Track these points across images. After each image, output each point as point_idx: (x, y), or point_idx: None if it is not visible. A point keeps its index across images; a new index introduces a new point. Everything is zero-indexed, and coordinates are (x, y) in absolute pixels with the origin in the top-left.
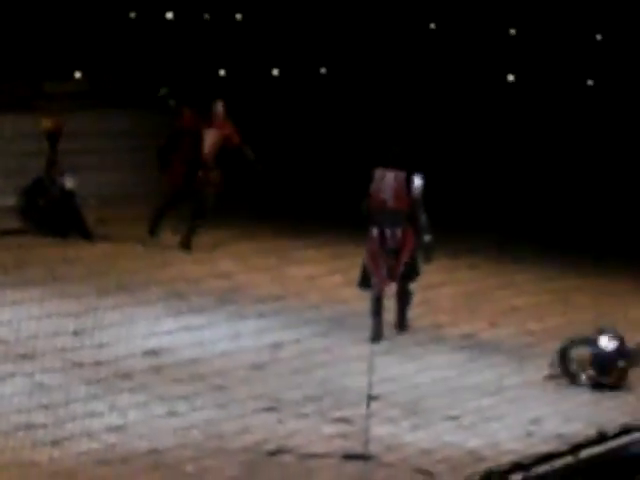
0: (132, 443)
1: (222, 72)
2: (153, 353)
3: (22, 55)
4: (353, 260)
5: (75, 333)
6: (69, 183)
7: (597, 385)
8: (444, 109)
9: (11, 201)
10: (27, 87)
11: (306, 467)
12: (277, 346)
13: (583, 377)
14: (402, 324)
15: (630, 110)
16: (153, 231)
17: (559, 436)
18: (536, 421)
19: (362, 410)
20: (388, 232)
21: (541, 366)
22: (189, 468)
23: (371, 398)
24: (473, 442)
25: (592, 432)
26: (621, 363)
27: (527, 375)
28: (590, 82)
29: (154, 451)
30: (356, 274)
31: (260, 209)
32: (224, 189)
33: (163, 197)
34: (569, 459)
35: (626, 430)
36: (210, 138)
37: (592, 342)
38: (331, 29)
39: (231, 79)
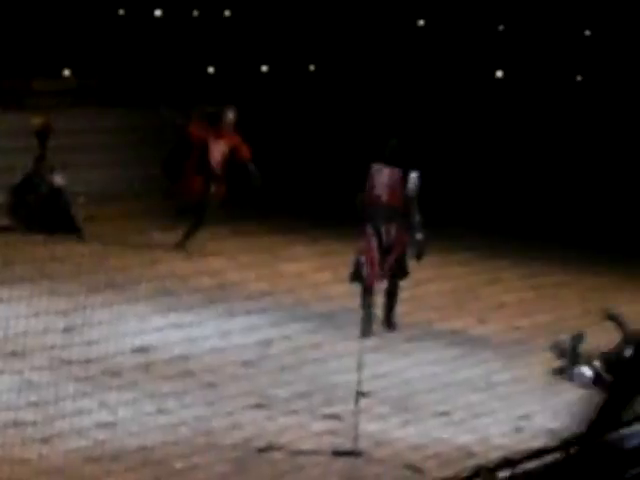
0: (121, 440)
1: (211, 69)
2: (142, 350)
3: (10, 52)
4: (343, 257)
5: (64, 331)
6: (58, 180)
7: (598, 380)
8: (432, 106)
9: (0, 198)
10: (16, 84)
11: (296, 464)
12: (267, 343)
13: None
14: (390, 321)
15: (619, 106)
16: (184, 244)
17: (549, 431)
18: (526, 417)
19: (352, 406)
20: (382, 228)
21: (530, 362)
22: (178, 465)
23: (361, 394)
24: (463, 438)
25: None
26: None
27: (516, 371)
28: (579, 78)
29: (143, 448)
30: (346, 271)
31: (249, 206)
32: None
33: (192, 212)
34: (559, 455)
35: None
36: (219, 149)
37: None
38: (321, 26)
39: (220, 76)
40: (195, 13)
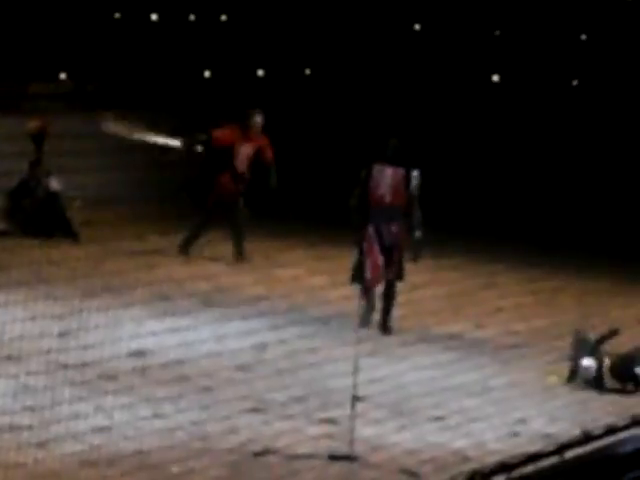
0: (117, 444)
1: (207, 73)
2: (138, 355)
3: (7, 57)
4: (339, 261)
5: (60, 335)
6: (54, 184)
7: (598, 382)
8: (428, 110)
9: None
10: (12, 88)
11: (292, 468)
12: (262, 347)
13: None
14: (386, 325)
15: (615, 110)
16: (241, 252)
17: (544, 436)
18: (521, 421)
19: (347, 411)
20: (384, 228)
21: (526, 367)
22: (174, 469)
23: (356, 399)
24: (459, 442)
25: (577, 432)
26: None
27: (512, 375)
28: (575, 82)
29: (139, 452)
30: (342, 276)
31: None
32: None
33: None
34: (554, 459)
35: (611, 430)
36: (245, 151)
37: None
38: (317, 30)
39: (216, 80)
40: (191, 17)
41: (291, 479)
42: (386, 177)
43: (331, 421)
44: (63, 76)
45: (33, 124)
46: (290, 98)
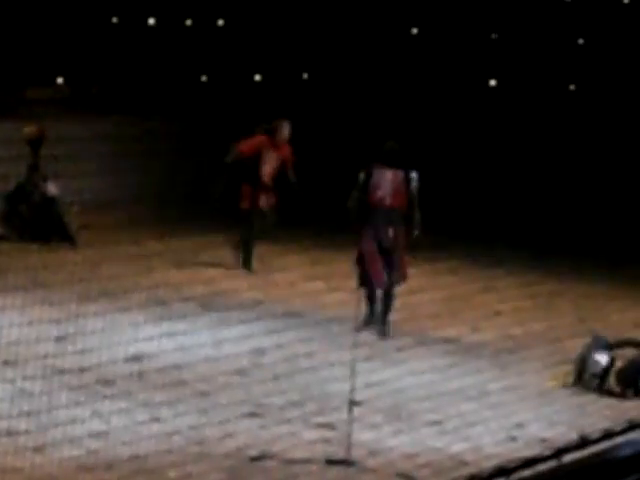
0: (115, 449)
1: (204, 78)
2: (136, 359)
3: (4, 61)
4: (335, 265)
5: (57, 339)
6: (51, 189)
7: (602, 379)
8: (425, 115)
9: None
10: (9, 93)
11: (289, 472)
12: (260, 352)
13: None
14: (384, 329)
15: (612, 115)
16: (249, 263)
17: (542, 440)
18: (519, 426)
19: (345, 415)
20: (382, 230)
21: (524, 371)
22: (172, 474)
23: (354, 403)
24: (456, 447)
25: (574, 437)
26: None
27: (510, 380)
28: (572, 87)
29: (137, 457)
30: (338, 279)
31: (240, 215)
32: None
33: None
34: (552, 464)
35: (608, 434)
36: (271, 162)
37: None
38: (314, 35)
39: (213, 85)
40: (188, 22)
41: None
42: (386, 179)
43: (328, 425)
44: (60, 80)
45: (30, 129)
46: (288, 102)
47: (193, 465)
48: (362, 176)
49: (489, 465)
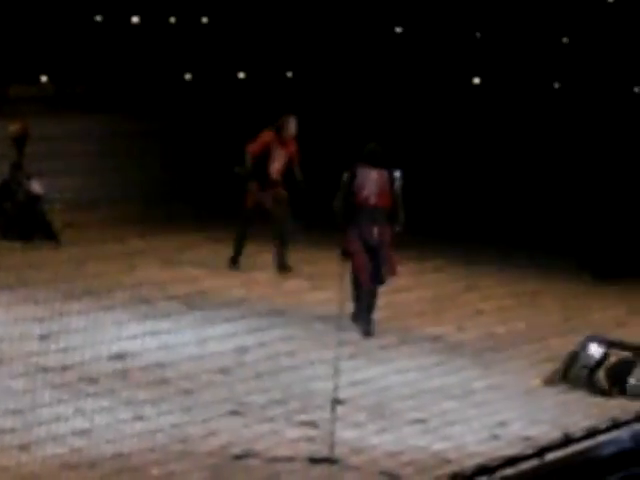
0: (98, 447)
1: (188, 76)
2: (119, 357)
3: None
4: (319, 264)
5: (41, 338)
6: (35, 187)
7: (592, 372)
8: (409, 113)
9: None
10: None
11: (272, 471)
12: (243, 350)
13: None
14: (368, 328)
15: (597, 113)
16: (236, 260)
17: (525, 439)
18: (502, 424)
19: (328, 413)
20: (367, 229)
21: (507, 370)
22: (155, 472)
23: (337, 402)
24: (439, 445)
25: (558, 435)
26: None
27: (493, 378)
28: (556, 84)
29: (120, 455)
30: (322, 278)
31: (225, 213)
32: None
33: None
34: (535, 462)
35: (592, 433)
36: (279, 158)
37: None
38: (299, 33)
39: (197, 82)
40: (172, 20)
41: None
42: (371, 179)
43: (311, 424)
44: (44, 79)
45: (14, 127)
46: (271, 100)
47: (176, 463)
48: (346, 176)
49: (472, 463)
